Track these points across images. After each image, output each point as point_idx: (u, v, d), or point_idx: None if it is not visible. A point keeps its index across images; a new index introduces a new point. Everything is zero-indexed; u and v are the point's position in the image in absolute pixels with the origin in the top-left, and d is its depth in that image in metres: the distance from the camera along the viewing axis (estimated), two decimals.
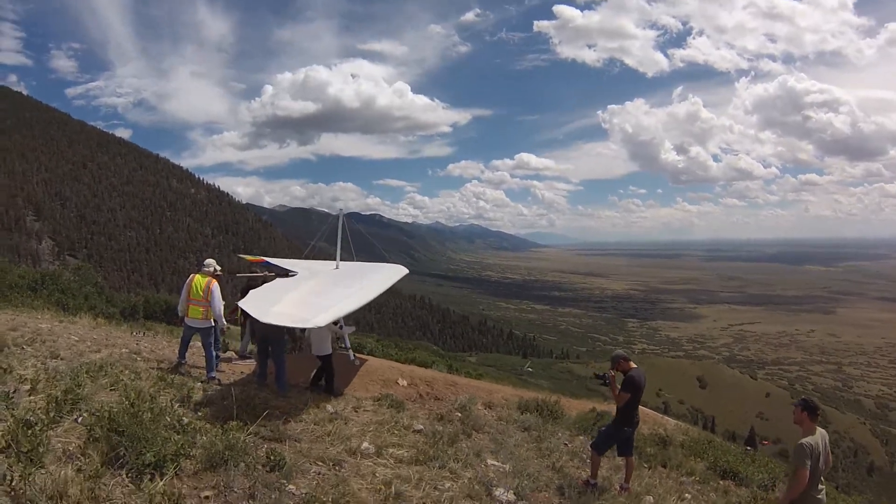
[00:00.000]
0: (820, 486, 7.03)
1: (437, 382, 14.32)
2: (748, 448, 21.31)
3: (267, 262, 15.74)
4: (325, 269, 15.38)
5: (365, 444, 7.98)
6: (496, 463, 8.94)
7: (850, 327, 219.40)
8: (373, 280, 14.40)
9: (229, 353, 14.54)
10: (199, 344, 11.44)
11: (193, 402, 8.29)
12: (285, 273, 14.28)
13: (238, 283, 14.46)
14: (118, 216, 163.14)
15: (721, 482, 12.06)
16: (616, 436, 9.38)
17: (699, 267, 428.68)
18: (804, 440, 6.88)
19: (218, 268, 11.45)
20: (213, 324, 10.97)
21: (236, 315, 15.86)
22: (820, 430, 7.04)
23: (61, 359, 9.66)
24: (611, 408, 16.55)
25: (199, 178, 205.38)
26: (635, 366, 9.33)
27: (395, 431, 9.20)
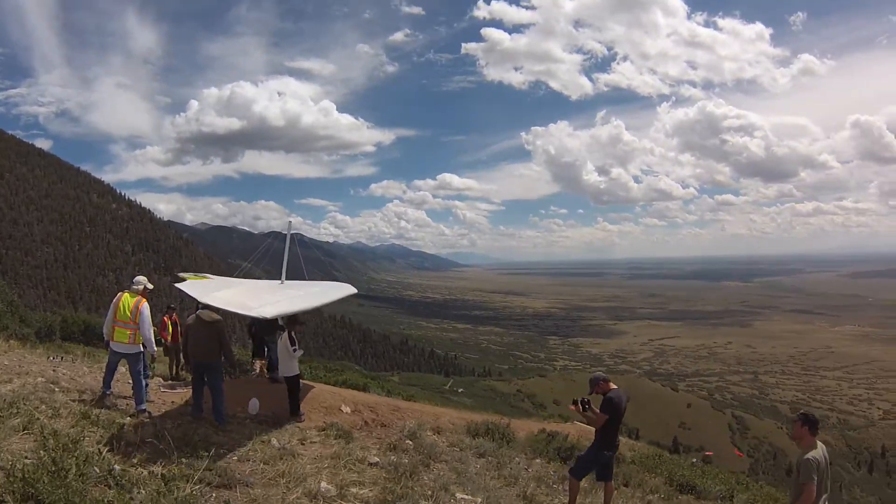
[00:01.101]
0: (824, 499, 6.95)
1: (380, 408, 13.57)
2: (694, 461, 21.22)
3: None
4: (270, 283, 14.60)
5: (324, 485, 7.10)
6: (466, 496, 8.26)
7: (766, 339, 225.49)
8: (321, 289, 14.00)
9: (156, 379, 13.30)
10: (126, 370, 10.24)
11: (124, 442, 7.10)
12: None
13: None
14: (35, 231, 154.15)
15: (681, 497, 11.93)
16: (596, 460, 9.02)
17: (620, 285, 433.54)
18: (809, 455, 6.83)
19: (149, 286, 10.18)
20: (142, 349, 9.78)
21: (165, 337, 14.70)
22: (820, 444, 6.97)
23: None
24: (560, 427, 16.21)
25: (120, 193, 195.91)
26: (615, 386, 8.95)
27: (351, 466, 8.34)
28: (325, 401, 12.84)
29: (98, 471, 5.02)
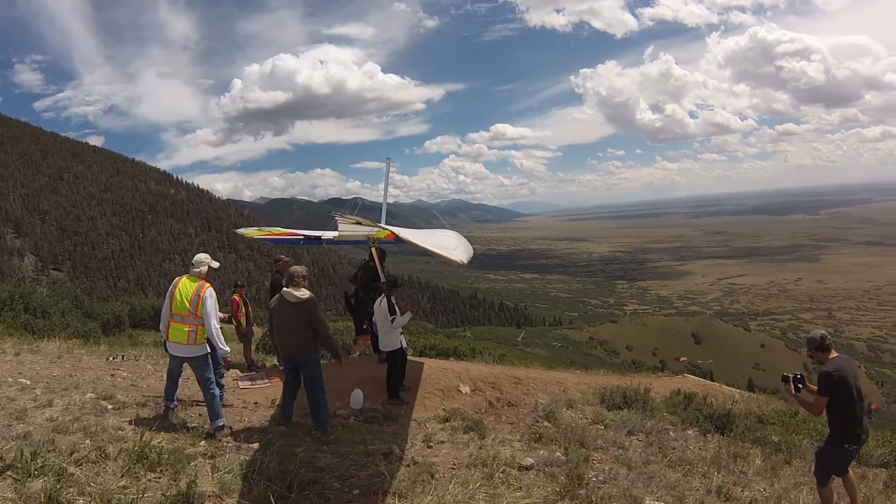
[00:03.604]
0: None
1: (500, 382, 11.56)
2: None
3: (290, 238, 12.96)
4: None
5: None
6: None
7: (837, 273, 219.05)
8: (445, 233, 11.24)
9: (232, 372, 11.18)
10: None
11: (198, 496, 4.82)
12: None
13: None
14: (99, 224, 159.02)
15: None
16: (841, 457, 6.65)
17: (684, 224, 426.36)
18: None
19: (214, 264, 7.73)
20: (208, 349, 7.38)
21: (238, 320, 12.69)
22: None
23: None
24: (677, 383, 15.07)
25: (177, 178, 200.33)
26: (836, 354, 6.62)
27: (505, 478, 6.33)
28: (438, 381, 10.89)
29: None
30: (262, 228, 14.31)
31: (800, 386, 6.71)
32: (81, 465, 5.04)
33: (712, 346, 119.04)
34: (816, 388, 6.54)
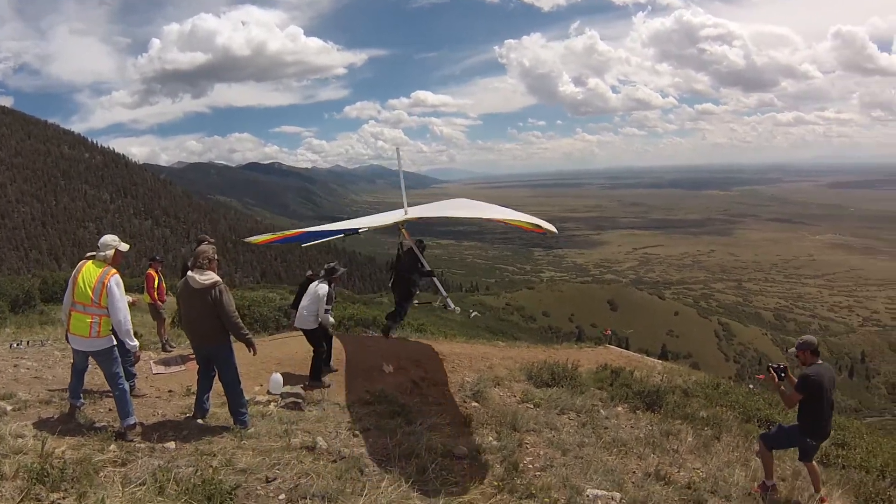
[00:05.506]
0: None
1: (424, 359, 11.51)
2: (751, 386, 19.72)
3: (305, 234, 12.52)
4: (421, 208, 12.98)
5: None
6: (599, 492, 6.31)
7: (747, 247, 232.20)
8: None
9: (146, 354, 10.47)
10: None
11: None
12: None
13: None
14: (9, 191, 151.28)
15: None
16: (793, 443, 7.47)
17: (601, 195, 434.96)
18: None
19: (123, 246, 6.77)
20: (114, 342, 6.58)
21: (153, 297, 11.95)
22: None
23: None
24: (618, 359, 14.78)
25: (92, 141, 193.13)
26: (821, 361, 7.25)
27: (439, 472, 6.21)
28: (361, 360, 10.67)
29: None
30: (275, 232, 13.48)
31: (782, 375, 7.22)
32: None
33: (628, 313, 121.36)
34: (795, 385, 7.10)
